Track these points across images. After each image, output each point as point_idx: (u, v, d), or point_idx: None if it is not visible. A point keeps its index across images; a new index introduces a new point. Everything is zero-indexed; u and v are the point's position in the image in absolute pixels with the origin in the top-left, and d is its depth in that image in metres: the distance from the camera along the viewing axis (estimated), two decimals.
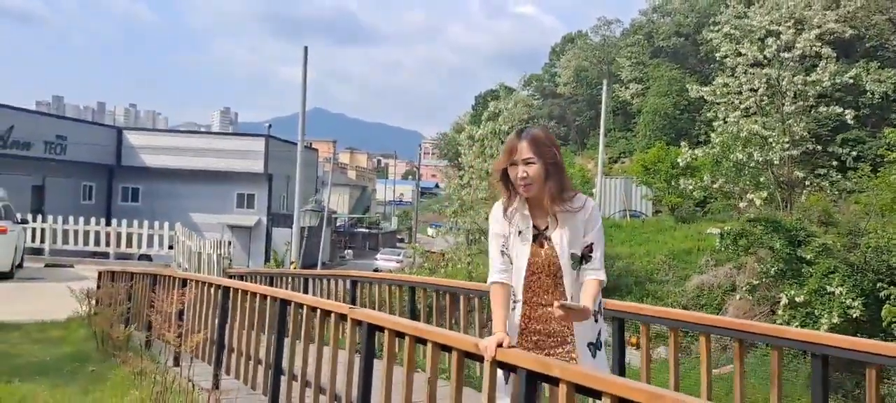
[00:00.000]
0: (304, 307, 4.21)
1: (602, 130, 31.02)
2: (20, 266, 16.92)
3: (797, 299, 14.63)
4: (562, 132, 58.78)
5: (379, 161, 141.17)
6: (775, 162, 18.22)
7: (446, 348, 3.06)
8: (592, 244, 2.84)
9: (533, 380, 2.58)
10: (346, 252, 52.59)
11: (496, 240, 2.93)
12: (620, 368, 4.25)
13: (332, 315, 3.99)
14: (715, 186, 20.22)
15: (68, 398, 5.61)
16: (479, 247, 23.36)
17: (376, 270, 29.86)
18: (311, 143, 71.81)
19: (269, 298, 4.85)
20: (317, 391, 4.16)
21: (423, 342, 3.18)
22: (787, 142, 18.24)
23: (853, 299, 13.69)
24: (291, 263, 24.09)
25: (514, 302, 2.89)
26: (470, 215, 21.97)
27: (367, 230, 61.63)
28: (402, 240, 55.67)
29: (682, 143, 21.27)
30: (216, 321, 5.59)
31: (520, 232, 2.87)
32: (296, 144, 25.00)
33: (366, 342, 3.53)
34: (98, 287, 9.80)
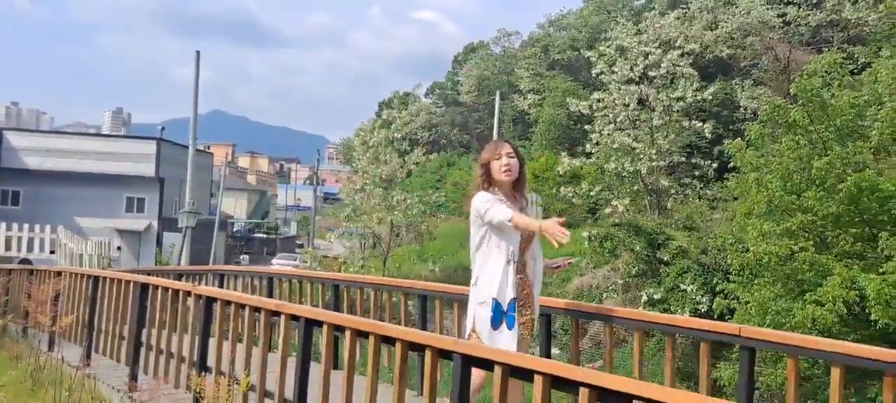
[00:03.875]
0: (159, 288, 4.90)
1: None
2: None
3: (655, 296, 16.05)
4: (464, 140, 60.12)
5: (281, 165, 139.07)
6: (643, 171, 19.81)
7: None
8: None
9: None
10: (241, 257, 51.83)
11: (495, 203, 3.68)
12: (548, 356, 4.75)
13: (180, 293, 4.69)
14: (591, 194, 21.71)
15: None
16: (372, 252, 24.00)
17: None
18: (208, 147, 70.30)
19: (132, 283, 5.41)
20: (168, 356, 4.83)
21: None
22: (654, 154, 19.88)
23: (701, 295, 15.24)
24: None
25: (508, 260, 3.65)
26: (363, 220, 22.50)
27: (265, 235, 60.91)
28: (301, 246, 55.39)
29: (562, 154, 22.67)
30: (87, 306, 6.06)
31: (505, 201, 3.73)
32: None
33: (204, 310, 4.25)
34: None
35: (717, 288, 13.46)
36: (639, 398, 2.19)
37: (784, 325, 9.79)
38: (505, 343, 3.51)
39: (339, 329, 3.35)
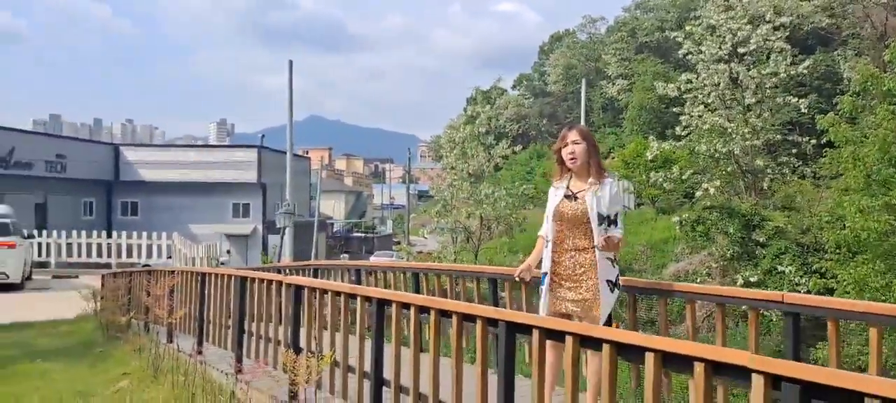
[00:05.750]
0: (256, 280, 5.46)
1: None
2: (29, 278, 18.08)
3: (752, 279, 15.63)
4: (553, 130, 59.69)
5: (376, 166, 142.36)
6: (736, 151, 19.25)
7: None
8: (617, 213, 4.03)
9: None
10: (342, 255, 53.63)
11: (548, 212, 4.15)
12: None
13: (273, 284, 5.23)
14: (683, 179, 21.25)
15: (80, 371, 6.74)
16: (464, 246, 24.42)
17: None
18: (306, 151, 73.00)
19: (233, 276, 6.01)
20: (267, 341, 5.40)
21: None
22: (748, 133, 19.26)
23: (801, 276, 14.74)
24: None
25: (547, 243, 4.08)
26: (453, 214, 22.91)
27: (363, 234, 62.69)
28: (397, 243, 56.72)
29: (651, 138, 22.30)
30: (197, 300, 6.74)
31: (560, 193, 4.08)
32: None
33: (294, 297, 4.74)
34: (102, 287, 10.96)
35: (814, 268, 13.06)
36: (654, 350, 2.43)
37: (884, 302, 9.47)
38: (541, 307, 4.08)
39: (406, 306, 3.72)
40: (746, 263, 16.31)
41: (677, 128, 21.33)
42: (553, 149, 4.26)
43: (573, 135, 4.08)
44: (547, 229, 4.12)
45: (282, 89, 25.68)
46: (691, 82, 20.58)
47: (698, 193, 18.65)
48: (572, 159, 4.03)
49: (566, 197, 4.05)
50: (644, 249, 24.73)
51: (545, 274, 4.07)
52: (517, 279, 4.44)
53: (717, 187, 17.85)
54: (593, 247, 3.93)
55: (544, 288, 4.06)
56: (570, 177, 4.08)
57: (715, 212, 16.33)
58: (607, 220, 3.96)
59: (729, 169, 20.20)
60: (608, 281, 3.96)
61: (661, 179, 21.75)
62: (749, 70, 19.30)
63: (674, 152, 22.65)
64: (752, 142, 19.47)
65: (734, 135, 19.12)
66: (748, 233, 16.24)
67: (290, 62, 24.65)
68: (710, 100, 20.13)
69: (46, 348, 8.63)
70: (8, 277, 16.26)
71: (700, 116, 20.07)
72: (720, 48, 19.88)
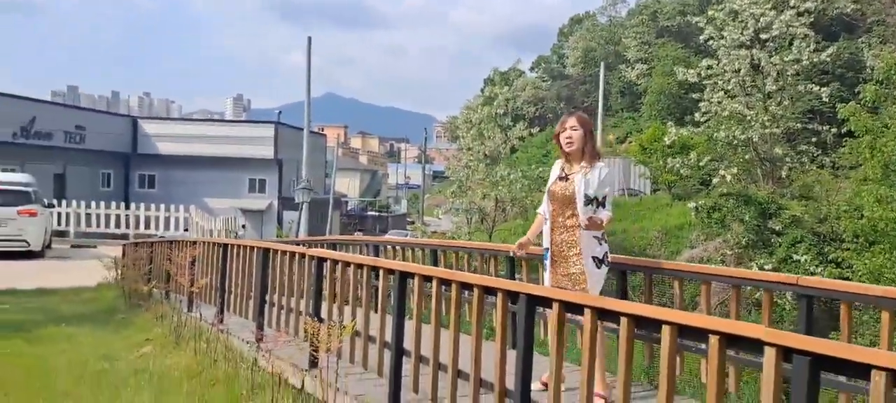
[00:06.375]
0: (279, 252, 5.57)
1: (600, 112, 31.96)
2: (49, 246, 18.39)
3: (766, 267, 15.60)
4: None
5: (391, 145, 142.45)
6: (755, 139, 19.14)
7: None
8: (606, 194, 4.33)
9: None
10: (355, 233, 53.96)
11: (546, 194, 4.48)
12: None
13: (296, 256, 5.34)
14: (701, 165, 21.15)
15: (105, 336, 6.92)
16: (478, 227, 24.51)
17: None
18: (321, 128, 73.21)
19: (256, 248, 6.12)
20: (288, 311, 5.54)
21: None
22: (768, 120, 19.11)
23: (816, 266, 14.70)
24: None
25: (545, 219, 4.40)
26: (468, 195, 22.98)
27: (377, 213, 62.96)
28: (412, 223, 56.88)
29: (669, 124, 22.20)
30: (219, 271, 6.88)
31: (558, 175, 4.41)
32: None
33: (316, 269, 4.85)
34: (123, 256, 11.16)
35: (830, 258, 13.04)
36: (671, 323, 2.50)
37: None
38: (543, 282, 4.45)
39: (427, 278, 3.82)
40: (761, 251, 16.28)
41: (696, 115, 21.21)
42: (554, 133, 4.57)
43: (571, 122, 4.39)
44: (545, 208, 4.44)
45: (299, 66, 25.85)
46: (712, 68, 20.44)
47: (715, 180, 18.57)
48: (569, 143, 4.34)
49: (559, 178, 4.38)
50: (659, 235, 24.70)
51: (547, 249, 4.38)
52: (512, 254, 4.83)
53: (734, 174, 17.77)
54: (579, 226, 4.22)
55: (546, 263, 4.38)
56: (566, 159, 4.40)
57: (731, 200, 16.27)
58: (596, 201, 4.25)
59: (747, 156, 20.08)
60: (594, 257, 4.24)
61: (677, 165, 21.64)
62: (771, 57, 19.14)
63: (691, 138, 22.51)
64: (772, 129, 19.32)
65: (753, 123, 19.00)
66: (764, 221, 16.19)
67: (309, 39, 24.75)
68: (730, 87, 19.99)
69: (70, 314, 8.84)
70: (29, 245, 16.55)
71: (719, 103, 19.94)
72: (742, 33, 19.71)
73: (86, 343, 7.12)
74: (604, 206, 4.29)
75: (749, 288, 9.81)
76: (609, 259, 4.36)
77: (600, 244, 4.28)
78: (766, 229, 16.44)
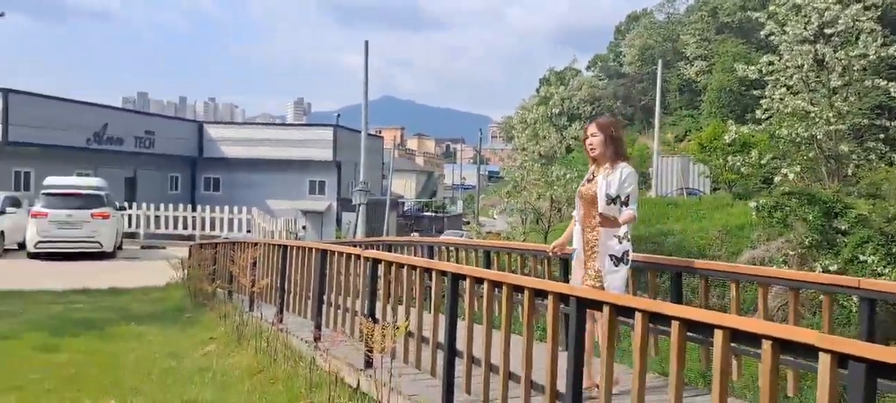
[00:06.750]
0: (336, 253, 5.73)
1: (657, 110, 31.47)
2: (120, 247, 19.23)
3: (831, 268, 15.11)
4: (627, 112, 58.50)
5: (447, 146, 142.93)
6: (819, 136, 18.55)
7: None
8: (629, 194, 4.45)
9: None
10: (412, 234, 54.38)
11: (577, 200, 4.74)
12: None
13: (352, 257, 5.48)
14: (762, 163, 20.62)
15: (172, 335, 7.23)
16: (534, 227, 24.44)
17: None
18: (379, 131, 74.05)
19: (314, 249, 6.30)
20: (344, 311, 5.68)
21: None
22: (833, 117, 18.49)
23: (885, 266, 14.18)
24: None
25: (576, 221, 4.68)
26: (523, 195, 22.94)
27: (433, 213, 63.29)
28: (467, 223, 56.98)
29: (728, 121, 21.69)
30: (279, 272, 7.11)
31: (586, 178, 4.69)
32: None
33: (372, 270, 5.00)
34: (189, 257, 11.60)
35: None
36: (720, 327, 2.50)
37: None
38: (572, 281, 4.67)
39: (479, 281, 3.89)
40: (826, 252, 15.76)
41: (757, 112, 20.66)
42: (581, 139, 4.94)
43: (592, 129, 4.64)
44: (576, 211, 4.72)
45: (356, 68, 26.18)
46: (773, 64, 19.86)
47: (777, 178, 18.05)
48: (591, 149, 4.59)
49: (587, 180, 4.65)
50: (719, 235, 24.14)
51: (575, 249, 4.61)
52: (550, 254, 5.12)
53: (797, 173, 17.24)
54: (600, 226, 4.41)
55: (574, 262, 4.62)
56: (593, 163, 4.66)
57: (794, 198, 15.80)
58: (618, 201, 4.39)
59: (811, 154, 19.46)
60: (612, 255, 4.37)
61: (738, 163, 21.14)
62: (836, 51, 18.49)
63: (752, 136, 21.90)
64: (837, 126, 18.67)
65: (817, 120, 18.39)
66: (829, 221, 15.67)
67: (366, 43, 25.09)
68: (792, 83, 19.39)
69: (140, 312, 9.27)
70: (101, 246, 17.34)
71: (781, 99, 19.36)
72: (805, 28, 19.09)
73: (154, 340, 7.47)
74: (626, 205, 4.41)
75: (812, 290, 9.52)
76: (629, 257, 4.43)
77: (621, 243, 4.40)
78: (830, 229, 15.92)
